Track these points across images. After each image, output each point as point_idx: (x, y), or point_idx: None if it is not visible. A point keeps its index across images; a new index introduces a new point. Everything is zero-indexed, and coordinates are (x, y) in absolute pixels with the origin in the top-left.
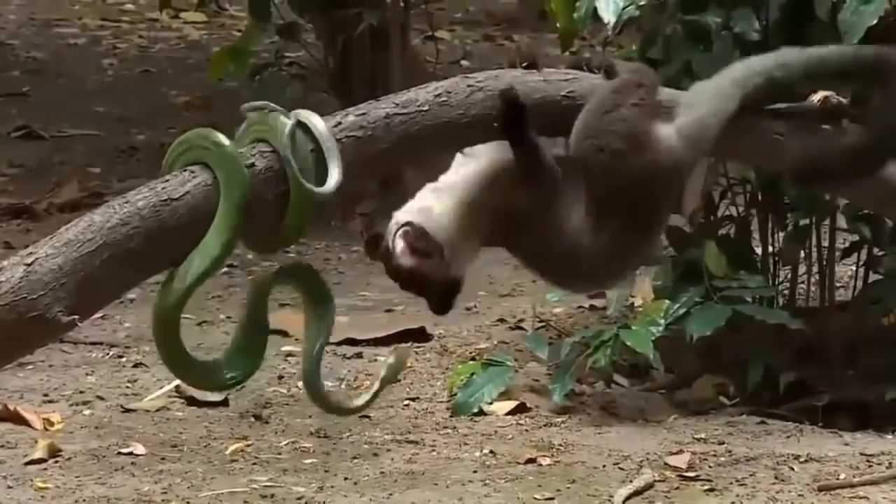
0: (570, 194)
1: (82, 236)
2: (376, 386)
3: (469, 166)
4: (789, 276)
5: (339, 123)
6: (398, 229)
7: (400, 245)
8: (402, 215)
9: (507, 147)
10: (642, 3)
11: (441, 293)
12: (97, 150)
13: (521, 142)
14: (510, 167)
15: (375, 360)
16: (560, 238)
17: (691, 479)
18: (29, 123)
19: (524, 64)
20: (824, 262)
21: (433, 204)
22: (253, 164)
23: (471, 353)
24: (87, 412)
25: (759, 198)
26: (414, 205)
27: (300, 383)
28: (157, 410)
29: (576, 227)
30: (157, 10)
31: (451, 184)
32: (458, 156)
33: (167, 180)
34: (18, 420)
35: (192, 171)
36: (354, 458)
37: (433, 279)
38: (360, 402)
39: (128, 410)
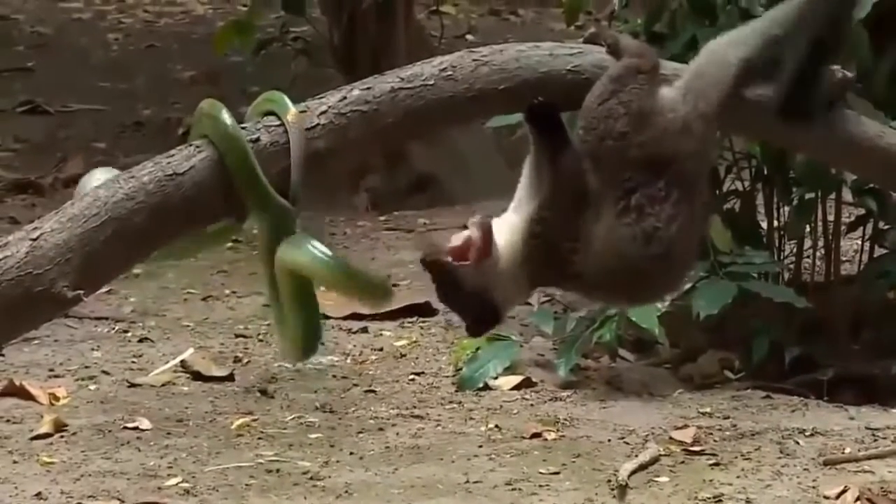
0: (595, 209)
1: (87, 211)
2: None
3: (517, 213)
4: (795, 250)
5: (345, 98)
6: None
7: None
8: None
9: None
10: None
11: (479, 314)
12: (102, 124)
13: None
14: (539, 213)
15: (381, 334)
16: (605, 250)
17: (696, 453)
18: (34, 98)
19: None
20: (830, 237)
21: (499, 224)
22: (258, 139)
23: None
24: (92, 387)
25: (765, 172)
26: (479, 218)
27: None
28: (163, 385)
29: (615, 233)
30: None
31: (508, 220)
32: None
33: (172, 155)
34: (24, 395)
35: (198, 146)
36: (360, 432)
37: (474, 293)
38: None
39: (133, 385)
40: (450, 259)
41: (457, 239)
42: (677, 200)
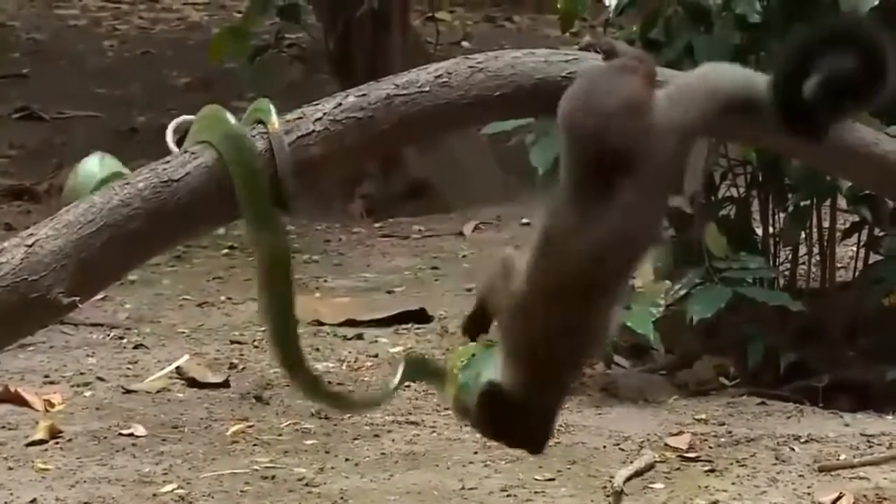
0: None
1: (83, 218)
2: (395, 381)
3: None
4: (790, 256)
5: (340, 104)
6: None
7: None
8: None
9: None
10: None
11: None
12: (97, 131)
13: None
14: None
15: (376, 341)
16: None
17: (692, 459)
18: (29, 105)
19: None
20: (825, 243)
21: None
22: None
23: None
24: (87, 393)
25: (760, 178)
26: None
27: None
28: (158, 392)
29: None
30: None
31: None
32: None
33: (168, 161)
34: (19, 401)
35: (194, 153)
36: (355, 439)
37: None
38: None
39: (128, 392)
40: None
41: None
42: (638, 199)
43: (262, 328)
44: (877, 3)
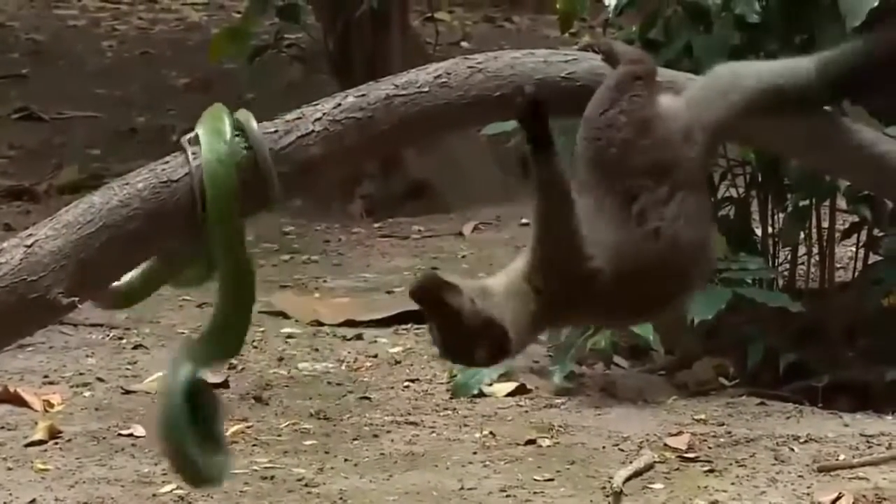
0: (598, 218)
1: (82, 218)
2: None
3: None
4: (789, 257)
5: (339, 105)
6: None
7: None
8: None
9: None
10: None
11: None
12: (97, 131)
13: (542, 139)
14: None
15: (375, 341)
16: (613, 260)
17: (691, 460)
18: (29, 105)
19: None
20: (824, 244)
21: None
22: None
23: None
24: (87, 394)
25: (759, 179)
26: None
27: (301, 364)
28: (158, 392)
29: (622, 239)
30: None
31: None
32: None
33: (167, 162)
34: (18, 401)
35: (194, 153)
36: (354, 439)
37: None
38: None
39: (128, 392)
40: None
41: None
42: (681, 203)
43: (262, 328)
44: (876, 3)
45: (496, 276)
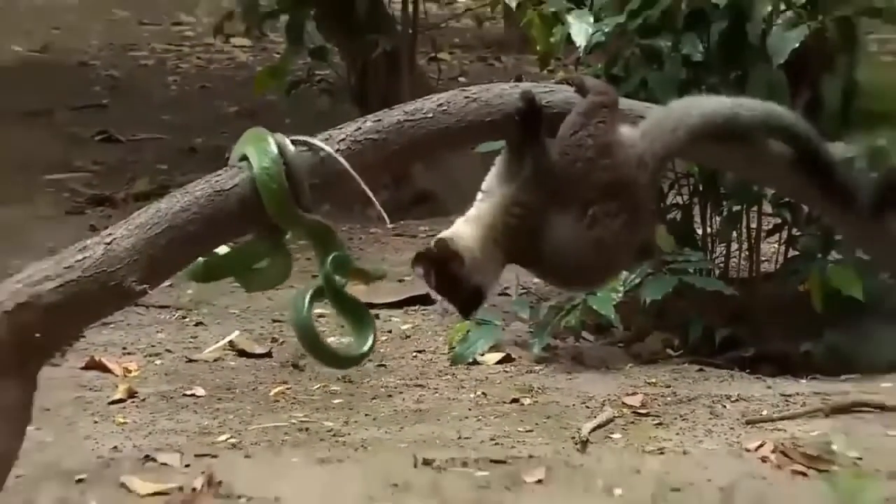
0: (560, 211)
1: (151, 220)
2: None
3: (486, 201)
4: (724, 251)
5: (359, 128)
6: (434, 241)
7: (433, 252)
8: (441, 234)
9: (512, 181)
10: (607, 30)
11: (465, 299)
12: (163, 150)
13: (534, 137)
14: (516, 197)
15: (390, 319)
16: (562, 244)
17: (644, 415)
18: (108, 129)
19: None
20: (752, 241)
21: (462, 228)
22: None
23: None
24: (158, 362)
25: (701, 188)
26: (450, 228)
27: (331, 338)
28: (215, 360)
29: (572, 233)
30: (212, 36)
31: (473, 215)
32: (479, 193)
33: (220, 174)
34: (103, 368)
35: (240, 167)
36: (373, 398)
37: (456, 282)
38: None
39: (191, 360)
40: (440, 267)
41: (435, 259)
42: (625, 220)
43: None
44: (797, 45)
45: (474, 221)
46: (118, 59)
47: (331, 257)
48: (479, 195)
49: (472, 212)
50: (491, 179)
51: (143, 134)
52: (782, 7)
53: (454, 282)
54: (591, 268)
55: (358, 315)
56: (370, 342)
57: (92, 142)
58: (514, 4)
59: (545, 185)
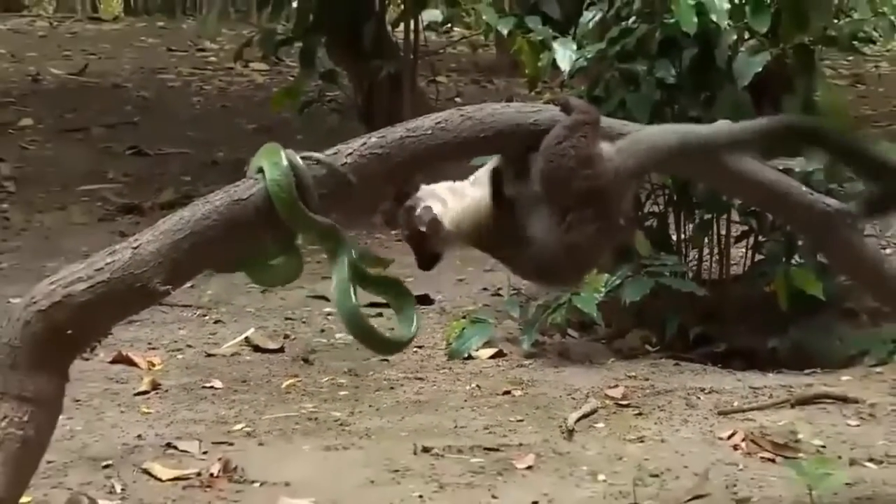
0: (539, 215)
1: (175, 227)
2: (413, 328)
3: (476, 191)
4: (697, 256)
5: (365, 143)
6: (425, 207)
7: (423, 219)
8: (430, 199)
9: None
10: (589, 55)
11: (427, 259)
12: (188, 163)
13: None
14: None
15: (392, 318)
16: (539, 245)
17: (625, 406)
18: (138, 144)
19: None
20: (722, 246)
21: (450, 201)
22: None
23: (462, 313)
24: (179, 356)
25: (675, 198)
26: (438, 192)
27: (339, 335)
28: (232, 355)
29: (549, 235)
30: (233, 61)
31: (462, 194)
32: (478, 172)
33: (237, 185)
34: (129, 362)
35: (256, 179)
36: (377, 390)
37: (429, 247)
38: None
39: (210, 355)
40: (425, 234)
41: (423, 226)
42: (599, 226)
43: (307, 307)
44: (760, 69)
45: (460, 201)
46: (148, 81)
47: (351, 248)
48: (472, 178)
49: (466, 190)
50: (483, 174)
51: (169, 148)
52: (746, 35)
53: (424, 244)
54: (564, 268)
55: (397, 292)
56: (415, 325)
57: (123, 155)
58: (505, 32)
59: (531, 191)
